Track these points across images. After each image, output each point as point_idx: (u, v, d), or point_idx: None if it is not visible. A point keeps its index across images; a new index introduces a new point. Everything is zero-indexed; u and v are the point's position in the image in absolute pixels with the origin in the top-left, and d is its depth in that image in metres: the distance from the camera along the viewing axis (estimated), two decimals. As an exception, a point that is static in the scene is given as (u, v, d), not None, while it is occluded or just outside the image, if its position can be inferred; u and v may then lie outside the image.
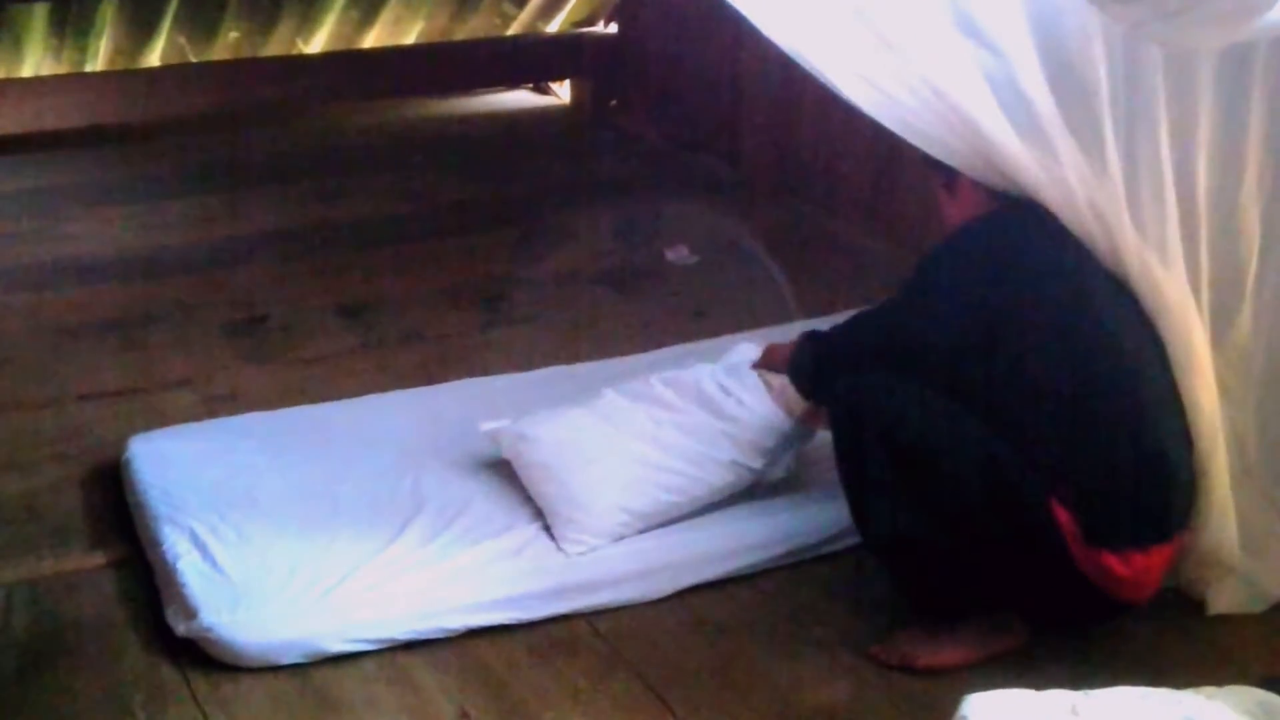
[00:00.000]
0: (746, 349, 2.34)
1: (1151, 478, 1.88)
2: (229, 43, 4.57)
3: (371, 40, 4.82)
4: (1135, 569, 1.88)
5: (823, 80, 1.99)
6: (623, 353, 2.91)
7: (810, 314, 2.93)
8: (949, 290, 1.93)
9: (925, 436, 1.90)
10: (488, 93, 5.27)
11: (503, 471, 2.36)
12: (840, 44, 1.93)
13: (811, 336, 2.14)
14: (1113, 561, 1.86)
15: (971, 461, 1.88)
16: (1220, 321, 1.97)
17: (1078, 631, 2.00)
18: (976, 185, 1.99)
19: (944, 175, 2.03)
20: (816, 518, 2.21)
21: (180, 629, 1.98)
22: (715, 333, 3.02)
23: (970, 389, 1.91)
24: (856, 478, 1.98)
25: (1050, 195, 1.90)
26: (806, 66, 1.99)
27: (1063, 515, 1.85)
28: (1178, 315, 1.90)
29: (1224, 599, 2.05)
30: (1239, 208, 1.94)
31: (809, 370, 2.11)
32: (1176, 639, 2.02)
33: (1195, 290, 1.93)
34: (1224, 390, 1.98)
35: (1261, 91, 1.87)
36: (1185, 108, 1.83)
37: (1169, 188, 1.86)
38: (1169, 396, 1.92)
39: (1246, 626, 2.05)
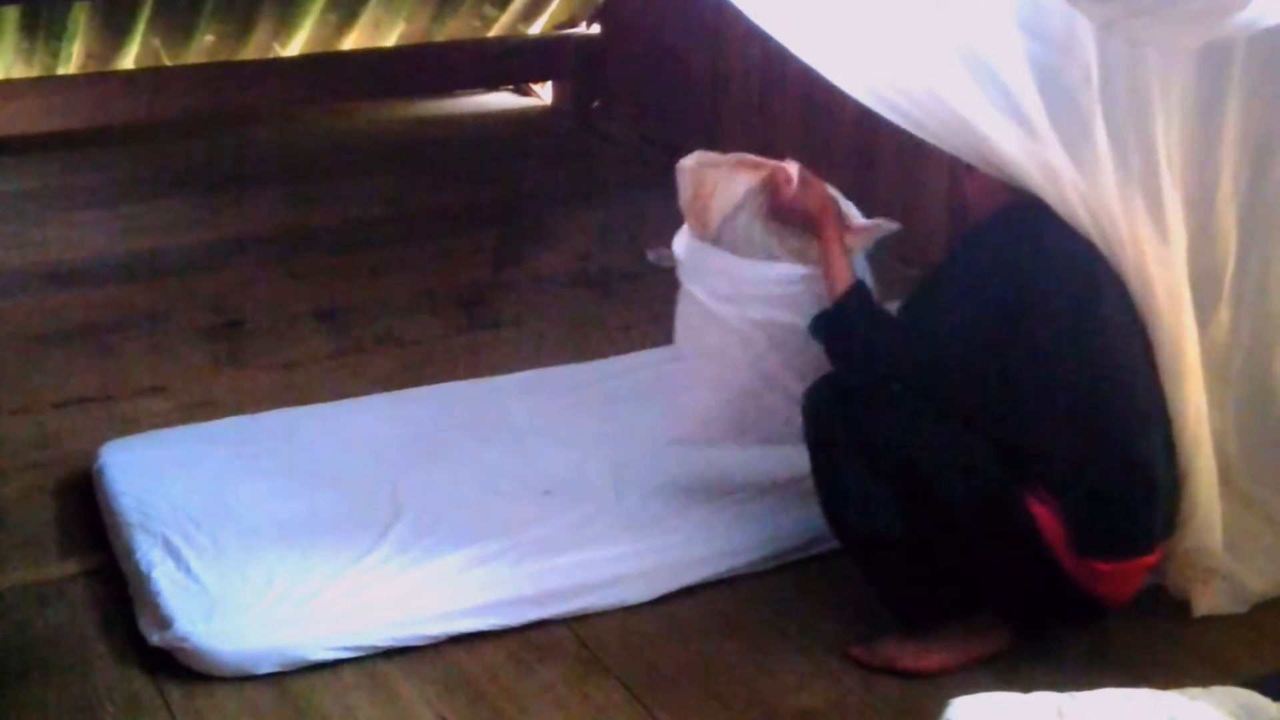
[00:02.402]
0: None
1: (1140, 488, 1.87)
2: (204, 46, 4.53)
3: (351, 43, 4.79)
4: (1120, 571, 1.88)
5: (822, 74, 1.97)
6: (604, 355, 2.90)
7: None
8: (967, 291, 1.89)
9: (900, 440, 1.89)
10: (469, 94, 5.25)
11: (481, 475, 2.35)
12: (837, 42, 1.92)
13: (843, 312, 1.98)
14: (1099, 566, 1.86)
15: (947, 462, 1.87)
16: (1198, 321, 1.96)
17: (1060, 634, 2.00)
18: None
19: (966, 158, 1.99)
20: (797, 521, 2.19)
21: (154, 639, 1.95)
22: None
23: (979, 390, 1.88)
24: (832, 483, 1.96)
25: (1043, 186, 1.88)
26: (804, 58, 1.97)
27: (1048, 521, 1.84)
28: (1170, 315, 1.89)
29: (1208, 600, 2.05)
30: (1215, 207, 1.94)
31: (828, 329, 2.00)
32: (1160, 640, 2.01)
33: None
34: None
35: (1238, 92, 1.87)
36: (1166, 106, 1.82)
37: (1164, 174, 1.84)
38: (1157, 402, 1.91)
39: (1230, 627, 2.04)
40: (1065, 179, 1.84)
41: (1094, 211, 1.85)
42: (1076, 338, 1.85)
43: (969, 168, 1.99)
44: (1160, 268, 1.87)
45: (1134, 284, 1.88)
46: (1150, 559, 1.91)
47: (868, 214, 2.16)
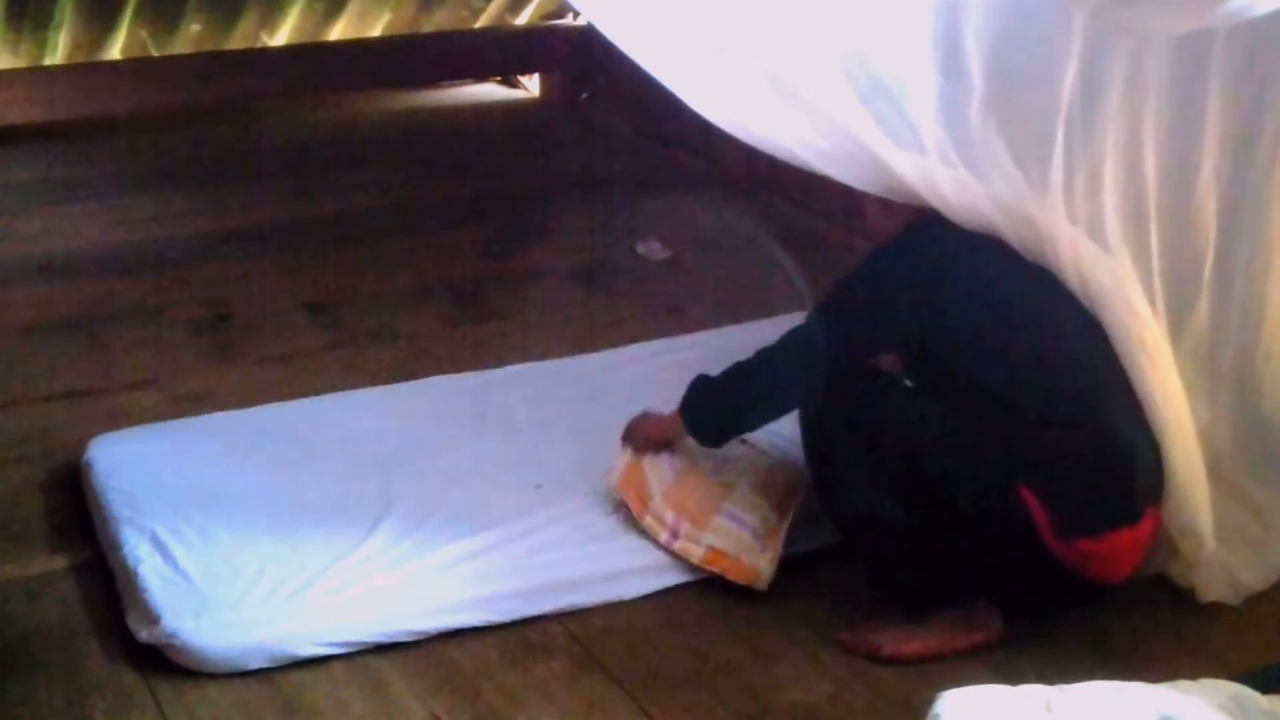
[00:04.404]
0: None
1: (1109, 460, 1.89)
2: (191, 36, 4.51)
3: (337, 33, 4.77)
4: (1108, 547, 1.89)
5: (737, 134, 1.99)
6: (596, 349, 2.89)
7: (785, 310, 2.91)
8: (868, 309, 1.94)
9: (892, 424, 1.92)
10: (456, 86, 5.23)
11: (474, 470, 2.34)
12: (749, 101, 1.94)
13: (707, 381, 2.08)
14: (1085, 545, 1.87)
15: (939, 446, 1.90)
16: (1177, 313, 1.98)
17: (1053, 626, 2.00)
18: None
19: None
20: (793, 515, 2.18)
21: (142, 635, 1.95)
22: (689, 329, 3.01)
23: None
24: (825, 467, 1.98)
25: (956, 204, 1.91)
26: (721, 124, 1.99)
27: (1034, 504, 1.86)
28: (1116, 301, 1.91)
29: (1213, 588, 2.05)
30: (1194, 199, 1.94)
31: (708, 414, 2.07)
32: (1151, 633, 2.02)
33: (1147, 280, 1.93)
34: (1185, 382, 1.98)
35: (1219, 82, 1.87)
36: (1137, 97, 1.83)
37: (1127, 182, 1.86)
38: (1116, 379, 1.93)
39: (1221, 620, 2.05)
40: (974, 201, 1.88)
41: (1007, 206, 1.88)
42: (983, 336, 1.90)
43: (883, 203, 2.02)
44: (1095, 264, 1.88)
45: (1069, 274, 1.90)
46: (1135, 531, 1.91)
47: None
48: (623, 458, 2.18)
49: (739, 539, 2.07)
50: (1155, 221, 1.90)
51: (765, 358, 2.01)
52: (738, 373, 2.03)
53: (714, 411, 2.07)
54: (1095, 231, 1.88)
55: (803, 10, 1.84)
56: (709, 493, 2.12)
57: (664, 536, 2.10)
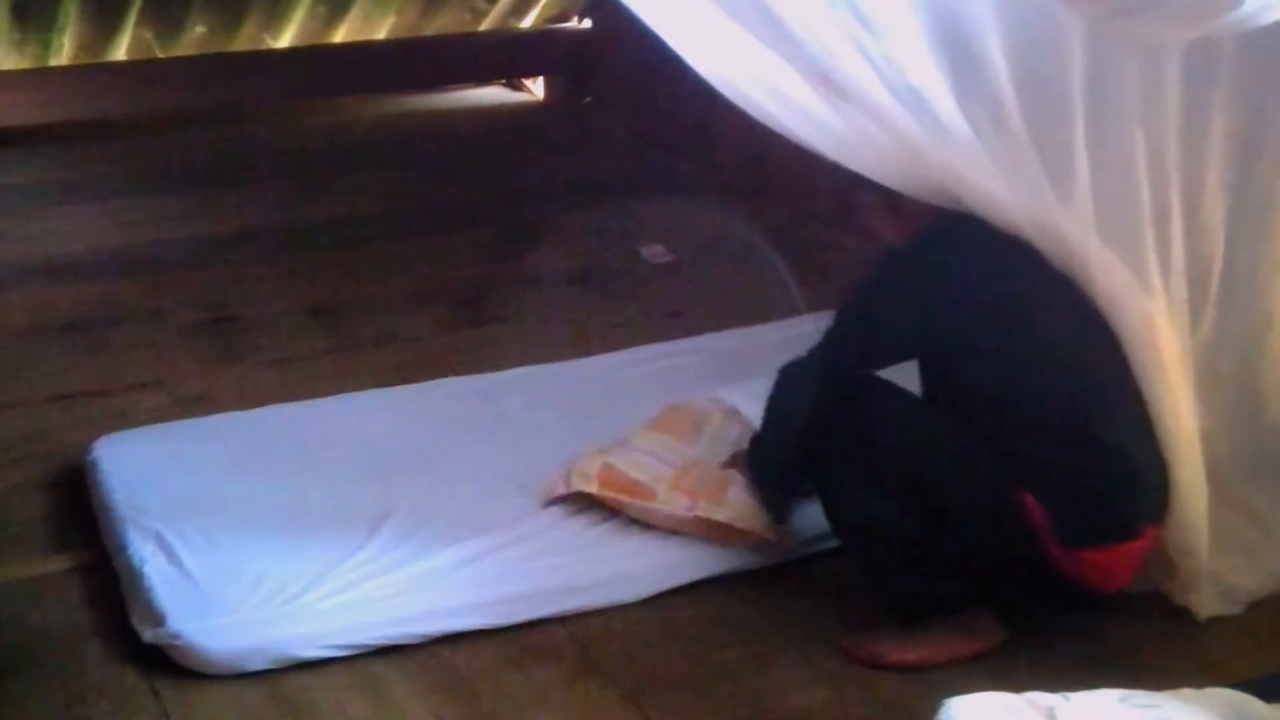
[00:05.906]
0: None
1: (1118, 475, 1.89)
2: (195, 38, 4.51)
3: (341, 36, 4.78)
4: (1110, 557, 1.89)
5: (765, 119, 1.98)
6: (597, 352, 2.89)
7: (785, 314, 2.91)
8: (883, 317, 1.94)
9: (898, 430, 1.91)
10: (460, 89, 5.24)
11: (475, 473, 2.34)
12: (781, 84, 1.93)
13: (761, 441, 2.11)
14: (1088, 554, 1.87)
15: (943, 452, 1.89)
16: (1189, 320, 1.97)
17: (1054, 628, 2.00)
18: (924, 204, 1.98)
19: (885, 195, 2.00)
20: (794, 520, 2.19)
21: (146, 635, 1.95)
22: (690, 332, 3.01)
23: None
24: (829, 473, 1.98)
25: (988, 207, 1.90)
26: (747, 107, 1.98)
27: (1037, 512, 1.86)
28: (1135, 317, 1.90)
29: (1209, 604, 2.04)
30: (1202, 206, 1.94)
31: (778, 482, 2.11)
32: (1154, 641, 2.02)
33: (1168, 288, 1.93)
34: (1191, 389, 1.98)
35: (1225, 89, 1.87)
36: (1154, 104, 1.83)
37: (1143, 190, 1.85)
38: (1129, 395, 1.92)
39: (1223, 629, 2.05)
40: (1004, 199, 1.86)
41: (1037, 218, 1.87)
42: (996, 346, 1.88)
43: (893, 208, 2.00)
44: (1117, 278, 1.88)
45: (1091, 284, 1.88)
46: (1136, 544, 1.91)
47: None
48: (587, 463, 2.19)
49: (752, 506, 2.12)
50: (1177, 229, 1.90)
51: (789, 382, 2.02)
52: (771, 418, 2.05)
53: (777, 463, 2.09)
54: (1124, 241, 1.87)
55: (830, 20, 1.81)
56: (719, 478, 2.16)
57: (684, 505, 2.12)
